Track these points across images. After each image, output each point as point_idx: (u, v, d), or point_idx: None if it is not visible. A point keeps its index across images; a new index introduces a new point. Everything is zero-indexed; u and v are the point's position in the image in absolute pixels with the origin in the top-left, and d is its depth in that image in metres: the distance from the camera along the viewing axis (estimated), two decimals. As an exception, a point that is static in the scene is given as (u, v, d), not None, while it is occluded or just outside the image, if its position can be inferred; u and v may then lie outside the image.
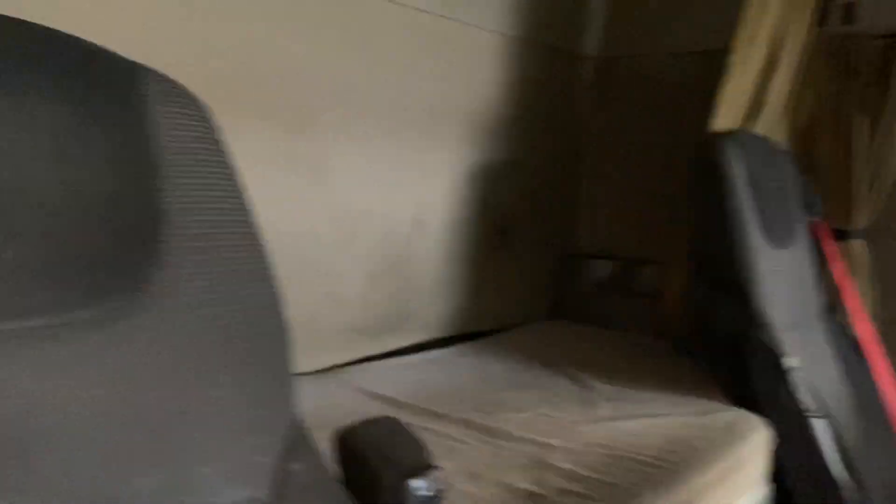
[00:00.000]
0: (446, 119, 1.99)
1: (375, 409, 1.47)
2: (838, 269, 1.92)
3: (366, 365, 1.77)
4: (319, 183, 1.66)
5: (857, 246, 1.96)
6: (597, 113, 2.45)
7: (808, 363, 1.66)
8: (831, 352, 1.80)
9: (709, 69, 1.94)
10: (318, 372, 1.69)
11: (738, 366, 1.57)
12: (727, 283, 1.60)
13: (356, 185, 1.75)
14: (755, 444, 1.48)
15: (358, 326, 1.82)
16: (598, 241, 2.48)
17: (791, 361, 1.47)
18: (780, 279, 1.66)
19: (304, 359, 1.68)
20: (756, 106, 1.81)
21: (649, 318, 2.21)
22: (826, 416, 1.45)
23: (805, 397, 1.45)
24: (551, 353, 1.97)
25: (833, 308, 1.95)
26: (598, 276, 2.43)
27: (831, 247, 1.93)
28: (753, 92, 1.79)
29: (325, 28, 1.62)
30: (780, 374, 1.47)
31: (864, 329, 1.86)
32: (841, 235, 1.97)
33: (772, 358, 1.48)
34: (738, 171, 1.60)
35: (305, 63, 1.59)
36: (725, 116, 1.76)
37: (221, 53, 1.42)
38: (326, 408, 1.46)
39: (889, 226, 1.96)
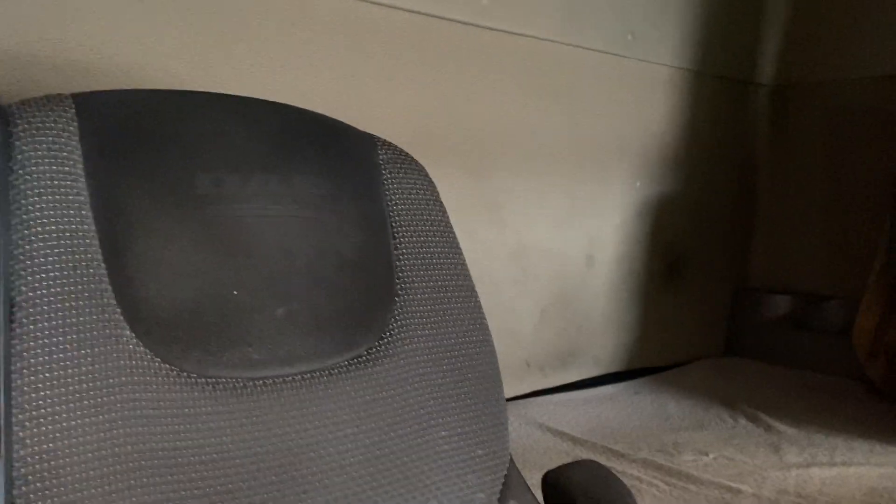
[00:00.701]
0: (618, 154, 2.01)
1: (553, 445, 1.51)
2: None
3: (539, 399, 1.81)
4: (496, 222, 1.74)
5: None
6: (773, 142, 2.37)
7: None
8: None
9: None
10: (494, 404, 1.75)
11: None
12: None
13: (530, 223, 1.81)
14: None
15: (530, 360, 1.87)
16: (774, 276, 2.38)
17: None
18: None
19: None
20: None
21: (836, 357, 2.09)
22: None
23: None
24: (729, 391, 1.92)
25: None
26: (777, 312, 2.33)
27: None
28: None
29: (504, 77, 1.70)
30: None
31: None
32: None
33: None
34: (941, 206, 1.50)
35: (486, 110, 1.68)
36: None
37: (419, 111, 1.54)
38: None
39: None
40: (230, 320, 0.66)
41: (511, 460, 0.82)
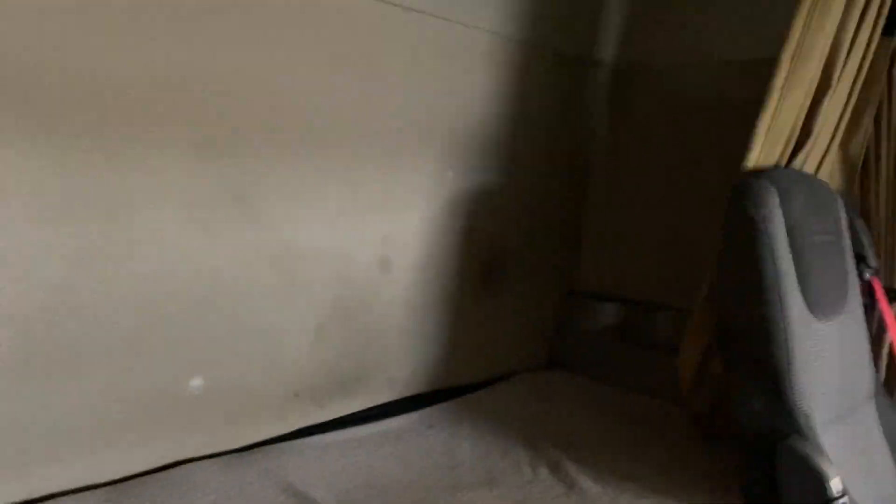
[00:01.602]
0: (424, 136, 1.66)
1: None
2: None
3: (304, 441, 1.45)
4: (248, 218, 1.34)
5: (920, 310, 1.59)
6: (610, 131, 2.10)
7: (853, 464, 1.33)
8: (883, 443, 1.45)
9: (747, 84, 1.59)
10: (241, 450, 1.38)
11: (768, 473, 1.22)
12: (758, 365, 1.25)
13: (298, 219, 1.42)
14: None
15: (301, 390, 1.50)
16: (605, 281, 2.13)
17: (836, 486, 1.11)
18: (825, 360, 1.31)
19: (225, 435, 1.38)
20: (803, 135, 1.44)
21: (663, 376, 1.85)
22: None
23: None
24: (538, 424, 1.64)
25: (888, 384, 1.59)
26: (605, 321, 2.09)
27: (888, 310, 1.57)
28: (801, 118, 1.42)
29: (271, 29, 1.29)
30: (820, 498, 1.12)
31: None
32: (898, 296, 1.60)
33: (812, 478, 1.13)
34: (776, 227, 1.24)
35: (243, 71, 1.27)
36: (765, 149, 1.40)
37: (149, 64, 1.12)
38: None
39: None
40: None
41: None
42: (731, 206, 1.29)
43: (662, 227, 1.97)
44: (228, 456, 1.35)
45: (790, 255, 1.25)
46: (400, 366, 1.71)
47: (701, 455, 1.51)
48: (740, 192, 1.27)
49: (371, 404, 1.65)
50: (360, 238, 1.56)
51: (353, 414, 1.61)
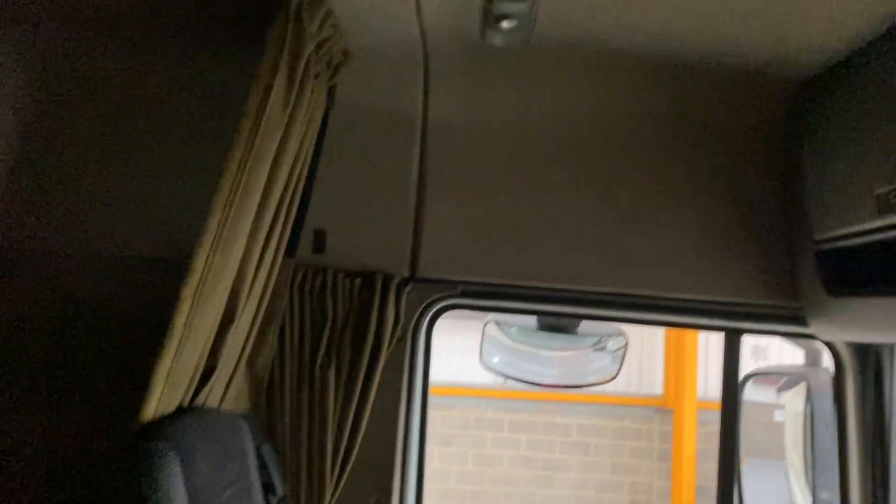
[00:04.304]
0: None
1: None
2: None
3: None
4: None
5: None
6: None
7: None
8: None
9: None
10: None
11: None
12: None
13: None
14: None
15: None
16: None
17: None
18: None
19: None
20: (209, 369, 1.28)
21: None
22: None
23: None
24: None
25: None
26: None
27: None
28: (206, 354, 1.26)
29: None
30: None
31: None
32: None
33: None
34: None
35: None
36: (166, 392, 1.18)
37: None
38: None
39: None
40: None
41: None
42: (124, 478, 1.03)
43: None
44: None
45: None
46: None
47: None
48: (135, 464, 1.03)
49: None
50: None
51: None
